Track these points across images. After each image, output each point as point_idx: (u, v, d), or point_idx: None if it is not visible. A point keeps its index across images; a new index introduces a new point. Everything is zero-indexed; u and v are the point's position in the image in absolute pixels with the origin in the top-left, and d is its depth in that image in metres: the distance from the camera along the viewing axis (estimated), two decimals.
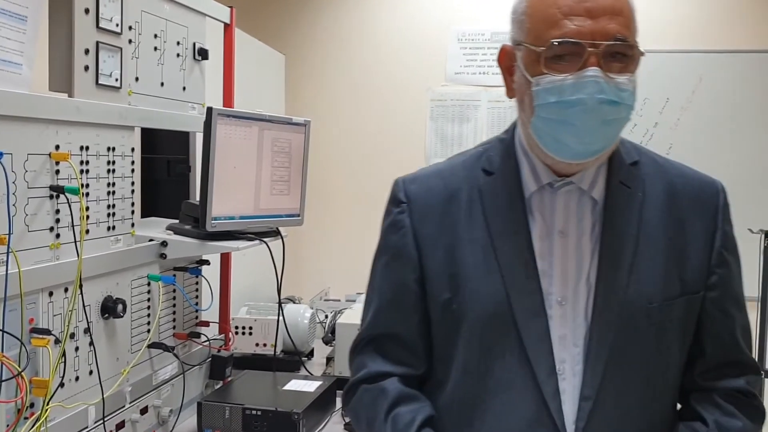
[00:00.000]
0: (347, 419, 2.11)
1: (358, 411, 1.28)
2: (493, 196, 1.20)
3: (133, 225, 1.79)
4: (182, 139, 2.37)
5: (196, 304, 2.14)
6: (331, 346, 2.67)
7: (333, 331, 2.58)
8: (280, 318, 2.30)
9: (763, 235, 2.69)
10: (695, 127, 3.94)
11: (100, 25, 1.65)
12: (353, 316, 2.49)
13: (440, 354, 1.23)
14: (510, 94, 1.21)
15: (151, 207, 2.16)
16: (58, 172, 1.50)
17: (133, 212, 1.79)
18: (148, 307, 1.87)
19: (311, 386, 2.12)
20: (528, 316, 1.14)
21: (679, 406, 1.25)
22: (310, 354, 2.75)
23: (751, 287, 3.29)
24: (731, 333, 1.20)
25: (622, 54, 1.08)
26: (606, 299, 1.13)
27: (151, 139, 2.30)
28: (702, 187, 1.21)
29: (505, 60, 1.20)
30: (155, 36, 1.89)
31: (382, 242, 1.29)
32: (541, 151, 1.15)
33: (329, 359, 2.63)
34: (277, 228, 2.13)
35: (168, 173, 2.34)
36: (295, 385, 2.14)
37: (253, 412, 1.93)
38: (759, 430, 1.21)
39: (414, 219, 1.22)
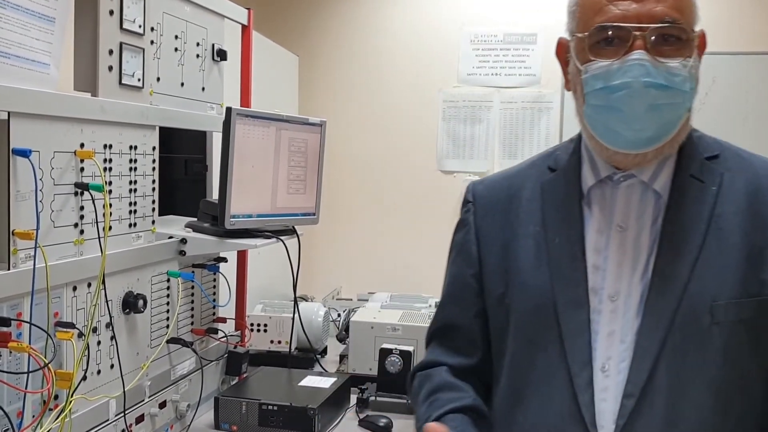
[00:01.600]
0: (362, 416, 2.14)
1: (411, 396, 1.34)
2: (552, 192, 1.21)
3: (153, 222, 1.83)
4: (199, 138, 2.40)
5: (214, 300, 2.18)
6: (344, 343, 2.69)
7: (347, 329, 2.61)
8: (296, 315, 2.33)
9: None
10: (708, 129, 3.91)
11: (124, 26, 1.68)
12: (366, 314, 2.52)
13: (495, 349, 1.25)
14: (567, 86, 1.21)
15: (168, 205, 2.19)
16: (82, 169, 1.53)
17: (153, 210, 1.83)
18: (168, 303, 1.91)
19: (326, 383, 2.15)
20: (569, 309, 1.13)
21: None
22: (324, 351, 2.78)
23: None
24: None
25: (675, 37, 1.05)
26: (661, 293, 1.08)
27: (169, 138, 2.33)
28: None
29: (561, 52, 1.21)
30: (176, 37, 1.93)
31: (451, 241, 1.34)
32: (598, 144, 1.14)
33: (342, 357, 2.66)
34: (293, 226, 2.16)
35: (185, 172, 2.37)
36: (310, 381, 2.17)
37: (269, 407, 1.96)
38: None
39: (477, 217, 1.27)
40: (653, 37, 1.05)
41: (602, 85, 1.08)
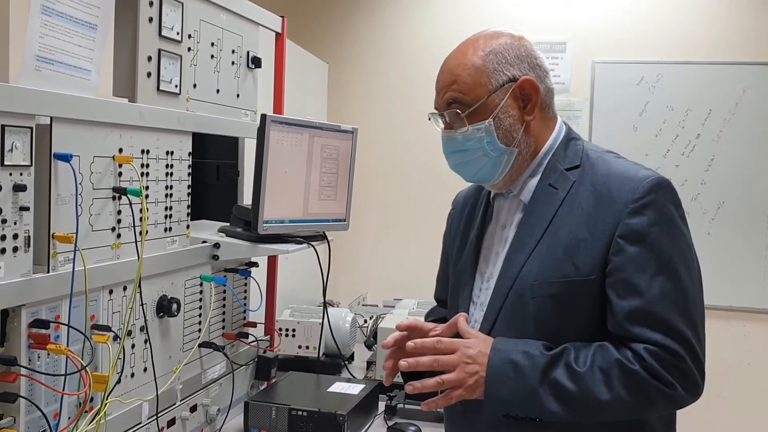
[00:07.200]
0: (390, 423, 2.14)
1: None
2: (481, 202, 1.60)
3: (188, 227, 1.84)
4: (231, 144, 2.41)
5: (245, 305, 2.19)
6: (372, 350, 2.70)
7: (375, 336, 2.61)
8: (325, 321, 2.34)
9: None
10: (738, 140, 3.90)
11: (163, 33, 1.70)
12: (395, 321, 2.51)
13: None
14: None
15: (198, 210, 2.21)
16: (120, 174, 1.55)
17: (188, 214, 1.84)
18: (200, 307, 1.92)
19: (355, 389, 2.15)
20: (463, 286, 1.54)
21: None
22: (351, 357, 2.79)
23: None
24: (623, 314, 1.31)
25: (464, 112, 1.42)
26: (504, 276, 1.43)
27: (201, 143, 2.35)
28: (621, 184, 1.36)
29: None
30: (212, 44, 1.95)
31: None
32: None
33: (370, 363, 2.66)
34: (323, 232, 2.17)
35: (217, 177, 2.39)
36: (338, 387, 2.18)
37: (299, 412, 1.96)
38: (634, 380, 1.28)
39: (451, 218, 1.73)
40: (448, 118, 1.47)
41: None
